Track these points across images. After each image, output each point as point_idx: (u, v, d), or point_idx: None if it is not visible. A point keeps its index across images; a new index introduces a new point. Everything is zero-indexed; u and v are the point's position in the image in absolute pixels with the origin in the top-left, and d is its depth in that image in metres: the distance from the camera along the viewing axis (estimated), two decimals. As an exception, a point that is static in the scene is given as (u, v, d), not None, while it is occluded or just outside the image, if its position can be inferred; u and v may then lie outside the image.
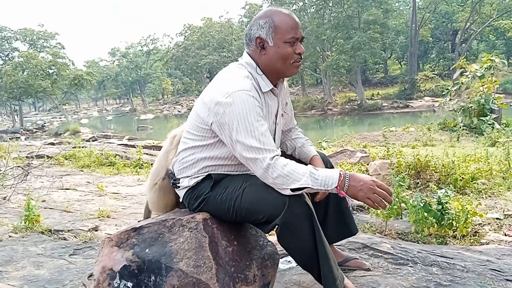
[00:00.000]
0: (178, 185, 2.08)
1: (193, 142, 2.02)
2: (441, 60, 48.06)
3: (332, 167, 2.27)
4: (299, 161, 2.15)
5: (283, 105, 2.20)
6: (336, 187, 1.78)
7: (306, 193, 1.84)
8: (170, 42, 64.69)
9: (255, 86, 1.94)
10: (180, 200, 2.16)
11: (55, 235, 3.27)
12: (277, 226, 1.82)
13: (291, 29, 1.96)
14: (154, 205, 2.30)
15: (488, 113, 11.19)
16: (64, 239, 3.19)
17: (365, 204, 1.89)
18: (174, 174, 2.10)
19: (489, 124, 10.55)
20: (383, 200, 1.77)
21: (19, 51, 47.40)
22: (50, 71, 42.96)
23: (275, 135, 2.10)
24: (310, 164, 2.14)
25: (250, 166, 1.86)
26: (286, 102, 2.27)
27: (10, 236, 3.19)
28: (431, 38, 46.88)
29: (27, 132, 33.85)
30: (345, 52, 34.89)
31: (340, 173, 1.80)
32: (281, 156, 1.88)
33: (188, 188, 2.04)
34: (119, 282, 1.88)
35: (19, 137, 19.09)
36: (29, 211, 3.39)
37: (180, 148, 2.10)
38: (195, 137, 2.01)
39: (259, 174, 1.84)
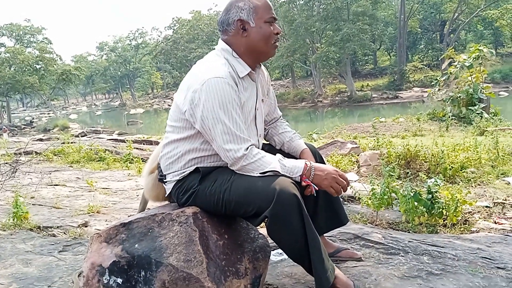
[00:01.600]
0: (164, 180, 2.07)
1: (176, 135, 2.01)
2: (429, 51, 48.28)
3: (321, 159, 2.28)
4: (288, 155, 2.14)
5: (263, 91, 2.20)
6: (302, 176, 1.89)
7: (295, 185, 1.84)
8: (159, 36, 64.34)
9: (232, 73, 1.94)
10: (166, 195, 2.15)
11: (44, 232, 3.23)
12: (266, 218, 1.82)
13: (269, 9, 2.02)
14: (149, 192, 2.28)
15: (477, 102, 11.24)
16: (53, 236, 3.15)
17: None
18: (161, 170, 2.09)
19: (477, 113, 10.60)
20: (337, 184, 1.93)
21: (5, 47, 46.74)
22: (37, 67, 42.49)
23: (255, 120, 2.10)
24: (300, 157, 2.15)
25: (221, 154, 1.90)
26: (267, 90, 2.26)
27: (-2, 234, 3.15)
28: (419, 29, 47.03)
29: (15, 128, 33.48)
30: (334, 44, 34.89)
31: (306, 163, 1.92)
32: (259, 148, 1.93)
33: (176, 182, 2.03)
34: (108, 278, 1.86)
35: (1, 134, 18.79)
36: (17, 208, 3.35)
37: (164, 143, 2.09)
38: (176, 130, 2.00)
39: (230, 163, 1.90)
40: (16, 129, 33.38)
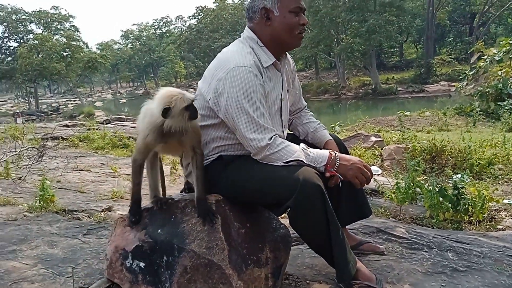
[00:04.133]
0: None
1: (199, 123, 2.00)
2: (458, 44, 47.08)
3: (346, 150, 2.26)
4: (312, 146, 2.12)
5: (289, 81, 2.17)
6: (327, 165, 1.87)
7: (319, 175, 1.82)
8: (183, 25, 64.57)
9: (256, 62, 1.92)
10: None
11: (69, 215, 3.30)
12: (289, 208, 1.81)
13: None
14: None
15: (506, 98, 10.92)
16: (78, 219, 3.21)
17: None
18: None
19: (506, 109, 10.28)
20: (362, 176, 1.91)
21: (34, 34, 47.70)
22: (65, 54, 43.20)
23: (281, 111, 2.08)
24: (325, 148, 2.13)
25: (245, 143, 1.89)
26: (293, 79, 2.24)
27: (25, 216, 3.23)
28: (448, 21, 45.82)
29: (43, 114, 34.22)
30: (360, 35, 34.30)
31: (330, 153, 1.90)
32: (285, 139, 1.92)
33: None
34: (131, 261, 1.88)
35: (16, 121, 18.90)
36: (43, 191, 3.42)
37: None
38: (200, 117, 1.99)
39: (253, 152, 1.88)
40: (43, 115, 34.09)
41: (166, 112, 1.78)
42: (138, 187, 2.01)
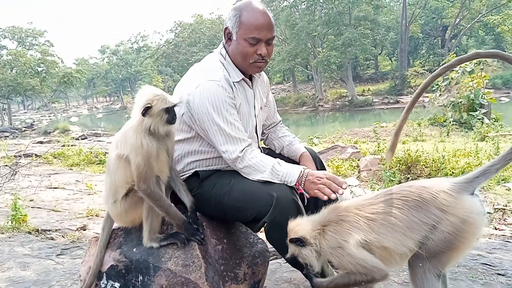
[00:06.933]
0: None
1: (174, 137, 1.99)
2: (431, 56, 48.25)
3: (321, 163, 2.26)
4: (288, 159, 2.13)
5: (262, 98, 2.19)
6: (296, 183, 1.84)
7: (295, 190, 1.82)
8: (161, 39, 64.40)
9: (226, 77, 1.94)
10: None
11: (43, 235, 3.22)
12: (265, 223, 1.80)
13: (255, 29, 1.91)
14: (123, 218, 1.94)
15: (478, 108, 11.21)
16: (52, 239, 3.14)
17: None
18: None
19: (478, 119, 10.57)
20: (327, 188, 1.80)
21: (8, 49, 46.85)
22: (39, 69, 42.50)
23: (256, 127, 2.09)
24: (300, 161, 2.13)
25: (222, 155, 1.91)
26: (266, 94, 2.26)
27: (-4, 237, 3.14)
28: (421, 34, 47.06)
29: (16, 131, 33.46)
30: (336, 49, 34.89)
31: (301, 171, 1.86)
32: (256, 149, 1.93)
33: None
34: (106, 282, 1.85)
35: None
36: (16, 210, 3.34)
37: None
38: (175, 132, 1.98)
39: (228, 163, 1.91)
40: (16, 131, 33.34)
41: (146, 110, 1.76)
42: (173, 208, 1.83)
